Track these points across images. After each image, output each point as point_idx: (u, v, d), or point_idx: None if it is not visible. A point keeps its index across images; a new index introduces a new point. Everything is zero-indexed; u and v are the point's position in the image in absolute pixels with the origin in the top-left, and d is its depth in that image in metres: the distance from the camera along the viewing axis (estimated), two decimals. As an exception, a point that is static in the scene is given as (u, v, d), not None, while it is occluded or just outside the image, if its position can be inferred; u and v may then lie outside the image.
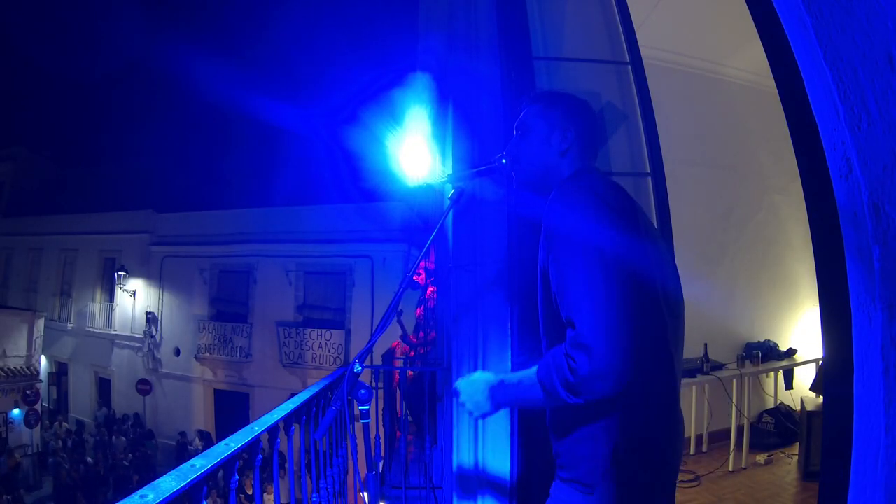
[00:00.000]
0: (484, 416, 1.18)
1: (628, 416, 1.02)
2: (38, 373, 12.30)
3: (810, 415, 3.48)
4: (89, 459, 10.83)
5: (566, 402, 0.97)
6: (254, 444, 1.29)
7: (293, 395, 1.89)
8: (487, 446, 2.08)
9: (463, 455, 2.10)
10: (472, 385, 1.19)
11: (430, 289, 5.06)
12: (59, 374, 15.00)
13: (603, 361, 0.90)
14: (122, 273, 13.02)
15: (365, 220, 10.91)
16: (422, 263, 4.95)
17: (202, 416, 12.14)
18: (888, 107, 0.70)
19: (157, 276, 13.01)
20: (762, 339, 4.43)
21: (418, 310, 5.64)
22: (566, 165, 1.19)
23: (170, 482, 0.93)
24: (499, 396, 1.14)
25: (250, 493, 7.34)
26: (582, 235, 0.98)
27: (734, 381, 3.94)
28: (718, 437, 4.04)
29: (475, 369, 2.10)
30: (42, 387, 12.71)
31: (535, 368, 1.06)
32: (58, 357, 14.85)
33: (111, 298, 13.76)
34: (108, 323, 13.80)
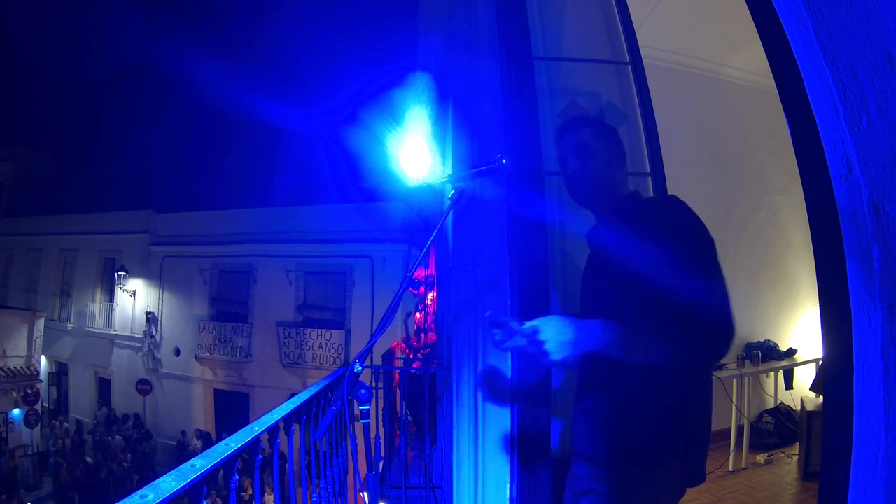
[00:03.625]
0: (564, 361, 1.10)
1: (693, 395, 1.18)
2: (38, 373, 12.30)
3: (810, 415, 3.48)
4: (89, 459, 10.83)
5: (705, 359, 1.17)
6: (254, 444, 1.29)
7: (293, 395, 1.89)
8: (488, 447, 2.08)
9: (463, 456, 2.10)
10: (556, 325, 1.10)
11: (430, 293, 5.08)
12: (59, 374, 15.00)
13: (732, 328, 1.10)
14: (122, 273, 13.02)
15: (365, 220, 10.91)
16: (421, 271, 4.98)
17: (202, 416, 12.13)
18: (888, 107, 0.70)
19: (157, 276, 13.01)
20: (762, 339, 4.42)
21: (418, 315, 5.67)
22: (624, 179, 1.38)
23: (170, 482, 0.93)
24: (597, 334, 1.08)
25: (251, 492, 7.35)
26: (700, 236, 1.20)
27: (734, 381, 3.94)
28: (718, 437, 4.03)
29: (475, 369, 2.10)
30: (42, 387, 12.71)
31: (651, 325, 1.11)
32: (58, 357, 14.84)
33: (111, 298, 13.75)
34: (108, 323, 13.79)
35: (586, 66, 2.41)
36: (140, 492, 0.87)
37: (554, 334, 1.08)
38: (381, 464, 3.88)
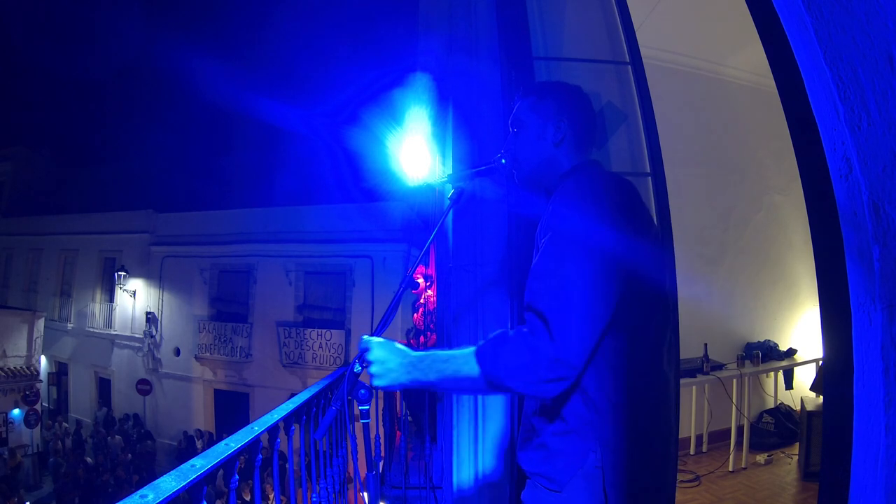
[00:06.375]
0: (391, 388, 1.04)
1: (615, 416, 1.00)
2: (38, 373, 12.30)
3: (810, 415, 3.48)
4: (89, 459, 10.83)
5: (513, 390, 0.96)
6: (254, 444, 1.29)
7: (293, 395, 1.89)
8: (487, 447, 2.08)
9: (463, 456, 2.10)
10: (387, 348, 1.03)
11: (430, 293, 5.08)
12: (59, 374, 15.00)
13: (562, 349, 0.90)
14: (122, 273, 13.02)
15: (365, 220, 10.91)
16: (421, 269, 4.98)
17: (202, 416, 12.13)
18: (888, 107, 0.70)
19: (157, 276, 13.01)
20: (762, 339, 4.42)
21: (416, 315, 5.67)
22: (563, 156, 1.17)
23: (170, 482, 0.93)
24: (423, 368, 1.02)
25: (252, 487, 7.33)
26: (574, 232, 0.98)
27: (734, 381, 3.94)
28: (718, 437, 4.04)
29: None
30: (42, 387, 12.71)
31: (471, 350, 1.01)
32: (58, 357, 14.84)
33: (111, 298, 13.76)
34: (108, 323, 13.80)
35: (586, 66, 2.41)
36: (140, 492, 0.87)
37: (379, 357, 1.02)
38: (381, 464, 3.88)
